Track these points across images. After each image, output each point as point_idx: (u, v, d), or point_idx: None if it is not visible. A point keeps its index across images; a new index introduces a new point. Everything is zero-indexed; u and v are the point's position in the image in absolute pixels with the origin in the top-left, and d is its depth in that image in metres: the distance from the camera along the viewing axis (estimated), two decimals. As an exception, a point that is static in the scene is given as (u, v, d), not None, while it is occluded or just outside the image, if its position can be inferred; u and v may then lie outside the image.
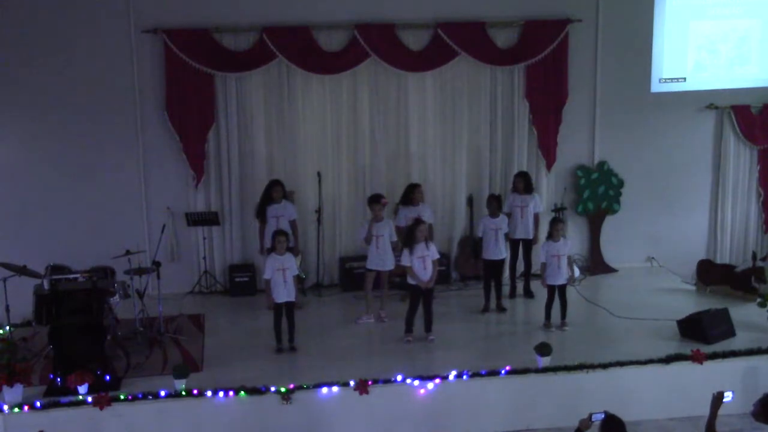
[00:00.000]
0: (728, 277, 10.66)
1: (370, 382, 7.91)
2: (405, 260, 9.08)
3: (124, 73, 10.66)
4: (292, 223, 10.26)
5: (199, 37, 10.58)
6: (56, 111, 10.61)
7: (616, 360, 8.31)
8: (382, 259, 9.72)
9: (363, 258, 10.08)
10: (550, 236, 9.44)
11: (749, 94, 11.81)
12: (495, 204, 10.07)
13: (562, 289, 9.44)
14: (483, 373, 8.12)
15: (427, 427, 8.02)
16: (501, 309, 10.13)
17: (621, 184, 11.69)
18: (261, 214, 10.24)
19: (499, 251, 10.04)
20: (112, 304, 8.83)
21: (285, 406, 7.78)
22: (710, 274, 10.85)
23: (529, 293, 10.67)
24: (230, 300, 10.88)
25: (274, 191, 10.20)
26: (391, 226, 9.78)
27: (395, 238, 9.73)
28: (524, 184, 10.44)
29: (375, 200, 9.80)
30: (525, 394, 8.12)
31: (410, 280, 9.10)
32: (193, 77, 10.66)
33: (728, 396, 6.41)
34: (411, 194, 10.18)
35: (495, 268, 10.08)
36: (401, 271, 9.50)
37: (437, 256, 9.25)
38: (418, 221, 9.21)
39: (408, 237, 9.15)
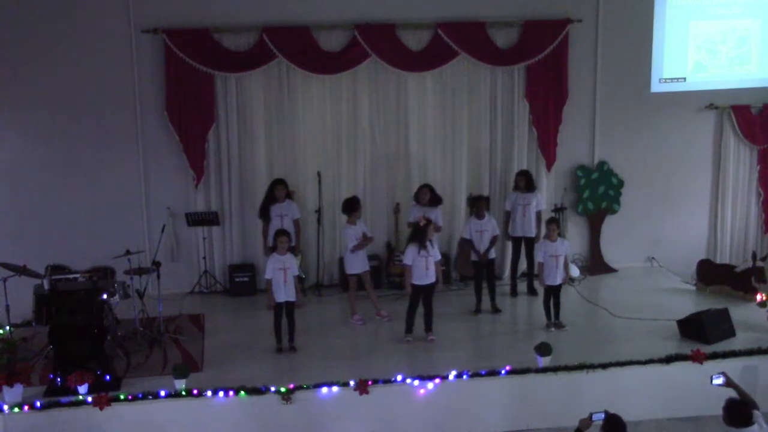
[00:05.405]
0: (728, 277, 10.65)
1: (370, 382, 7.92)
2: (407, 259, 9.08)
3: (124, 73, 10.66)
4: (295, 222, 10.30)
5: (199, 37, 10.58)
6: (56, 111, 10.61)
7: (616, 360, 8.32)
8: (362, 261, 9.79)
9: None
10: (546, 236, 9.45)
11: (749, 94, 11.81)
12: (477, 205, 10.04)
13: (558, 289, 9.44)
14: (483, 373, 8.13)
15: (427, 427, 8.02)
16: (495, 310, 10.10)
17: (621, 184, 11.69)
18: (264, 213, 10.25)
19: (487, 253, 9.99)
20: (112, 304, 8.83)
21: (285, 406, 7.79)
22: (710, 274, 10.84)
23: (532, 290, 10.68)
24: (230, 300, 10.88)
25: (278, 190, 10.21)
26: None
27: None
28: (525, 182, 10.46)
29: (358, 205, 9.82)
30: (525, 394, 8.13)
31: (414, 280, 9.07)
32: (193, 77, 10.66)
33: (718, 380, 6.42)
34: (418, 194, 10.23)
35: (485, 269, 10.04)
36: (401, 271, 9.48)
37: (439, 257, 9.24)
38: (428, 221, 9.14)
39: (416, 236, 9.08)
